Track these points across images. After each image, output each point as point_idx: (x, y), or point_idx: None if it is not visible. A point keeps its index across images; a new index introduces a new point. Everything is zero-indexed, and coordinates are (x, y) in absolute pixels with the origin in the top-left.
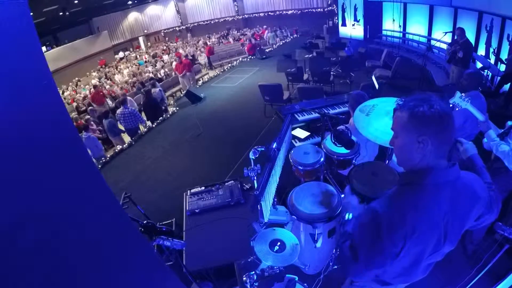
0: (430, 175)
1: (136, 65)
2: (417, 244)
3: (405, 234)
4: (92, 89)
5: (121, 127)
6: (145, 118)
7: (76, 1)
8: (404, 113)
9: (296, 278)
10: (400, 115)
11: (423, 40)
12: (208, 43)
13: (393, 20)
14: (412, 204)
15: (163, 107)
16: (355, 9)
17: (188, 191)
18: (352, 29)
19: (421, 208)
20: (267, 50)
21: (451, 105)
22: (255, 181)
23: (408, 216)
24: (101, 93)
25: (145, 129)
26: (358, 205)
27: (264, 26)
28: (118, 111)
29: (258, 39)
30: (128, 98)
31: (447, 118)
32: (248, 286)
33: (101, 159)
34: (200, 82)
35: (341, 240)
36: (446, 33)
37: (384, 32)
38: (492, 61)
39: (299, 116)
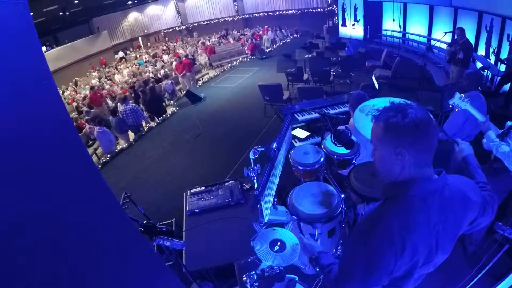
0: (414, 187)
1: (136, 65)
2: (408, 260)
3: (395, 253)
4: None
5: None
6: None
7: (76, 1)
8: (380, 125)
9: (296, 278)
10: (375, 128)
11: (423, 40)
12: (208, 43)
13: (393, 20)
14: (399, 221)
15: (170, 100)
16: (355, 9)
17: (188, 191)
18: (352, 29)
19: (408, 224)
20: (266, 51)
21: (450, 106)
22: (255, 181)
23: (396, 235)
24: (99, 94)
25: (146, 128)
26: (318, 245)
27: (266, 26)
28: (120, 108)
29: (258, 39)
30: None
31: (424, 126)
32: (248, 286)
33: (112, 153)
34: (200, 82)
35: (325, 271)
36: (446, 33)
37: (384, 32)
38: (492, 61)
39: (299, 116)
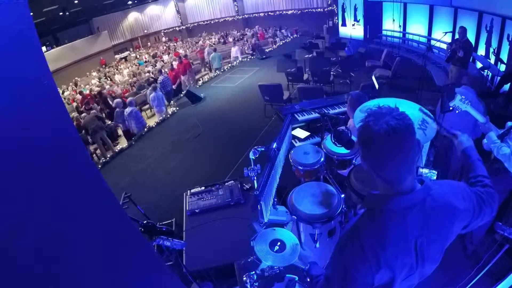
0: (390, 201)
1: (136, 65)
2: (385, 274)
3: (370, 268)
4: (96, 88)
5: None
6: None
7: (76, 1)
8: (358, 128)
9: (296, 278)
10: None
11: (423, 40)
12: (208, 42)
13: (393, 20)
14: (373, 237)
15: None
16: (355, 9)
17: (188, 191)
18: (352, 29)
19: (383, 240)
20: (267, 50)
21: (451, 108)
22: (255, 181)
23: (369, 251)
24: (89, 97)
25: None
26: (311, 255)
27: (257, 27)
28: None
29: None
30: (129, 98)
31: (395, 138)
32: (248, 286)
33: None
34: (200, 82)
35: (314, 281)
36: (446, 33)
37: (384, 32)
38: (492, 61)
39: (299, 116)
